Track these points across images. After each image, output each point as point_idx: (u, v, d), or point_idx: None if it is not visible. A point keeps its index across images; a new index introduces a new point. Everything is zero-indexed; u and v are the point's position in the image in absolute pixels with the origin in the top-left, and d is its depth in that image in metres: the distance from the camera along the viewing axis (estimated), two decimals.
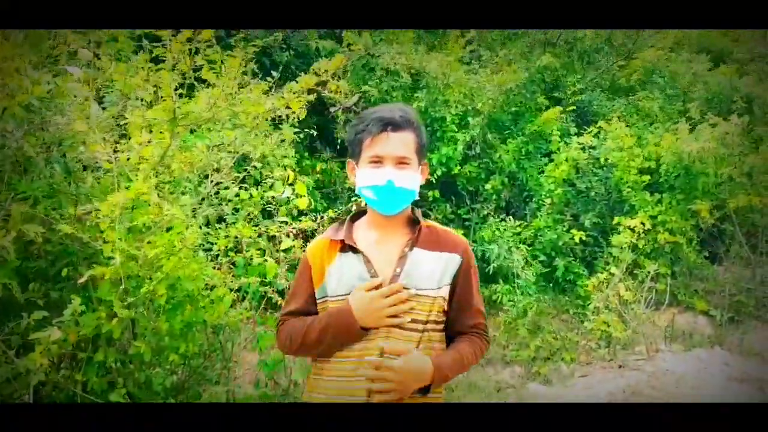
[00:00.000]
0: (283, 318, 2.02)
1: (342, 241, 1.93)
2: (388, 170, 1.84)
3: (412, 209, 1.99)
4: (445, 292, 1.91)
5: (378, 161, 1.85)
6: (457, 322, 1.96)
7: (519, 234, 6.77)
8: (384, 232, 1.94)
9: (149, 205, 2.94)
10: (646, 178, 6.83)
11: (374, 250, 1.91)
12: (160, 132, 3.13)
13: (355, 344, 1.84)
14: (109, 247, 2.78)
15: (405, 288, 1.85)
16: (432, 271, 1.90)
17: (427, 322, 1.88)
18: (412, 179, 1.88)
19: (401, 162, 1.85)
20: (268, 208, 4.00)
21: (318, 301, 1.95)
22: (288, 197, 3.80)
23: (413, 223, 1.98)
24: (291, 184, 3.80)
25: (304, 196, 3.77)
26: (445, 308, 1.92)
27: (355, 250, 1.91)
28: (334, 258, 1.93)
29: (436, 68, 6.91)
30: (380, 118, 1.86)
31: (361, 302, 1.82)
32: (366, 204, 1.97)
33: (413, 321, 1.86)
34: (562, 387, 5.60)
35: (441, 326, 1.93)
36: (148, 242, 2.92)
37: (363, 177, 1.88)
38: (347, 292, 1.88)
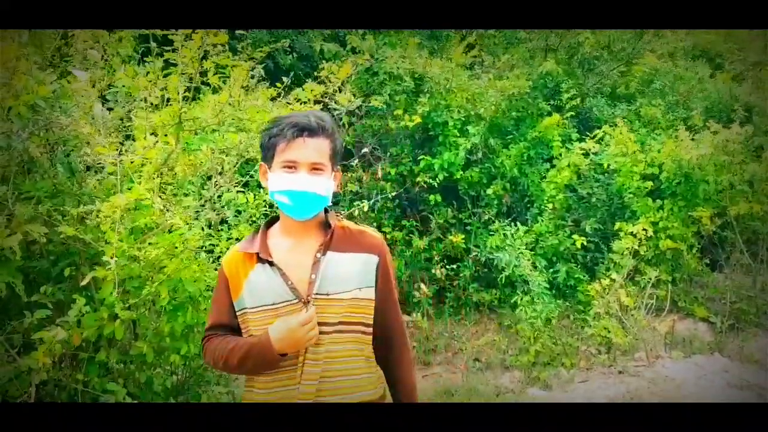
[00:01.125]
0: (207, 334, 2.02)
1: (257, 253, 1.93)
2: (302, 176, 1.84)
3: (326, 212, 2.00)
4: (368, 293, 1.93)
5: (292, 166, 1.85)
6: (380, 322, 1.98)
7: (521, 239, 6.78)
8: (297, 238, 1.95)
9: (151, 206, 2.95)
10: (649, 184, 6.84)
11: (288, 259, 1.92)
12: (165, 135, 3.15)
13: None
14: (110, 249, 2.79)
15: (321, 294, 1.87)
16: (348, 273, 1.91)
17: (343, 323, 1.89)
18: (325, 185, 1.88)
19: (315, 168, 1.86)
20: (267, 212, 4.00)
21: (237, 313, 1.95)
22: None
23: (326, 226, 1.98)
24: None
25: None
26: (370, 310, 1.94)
27: (270, 263, 1.91)
28: (250, 270, 1.93)
29: (438, 73, 6.93)
30: (296, 123, 1.86)
31: (281, 333, 1.82)
32: (278, 209, 1.97)
33: (324, 324, 1.86)
34: (562, 392, 5.61)
35: (360, 328, 1.93)
36: (150, 243, 2.94)
37: (276, 182, 1.88)
38: (264, 303, 1.89)
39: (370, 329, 1.95)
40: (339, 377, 1.88)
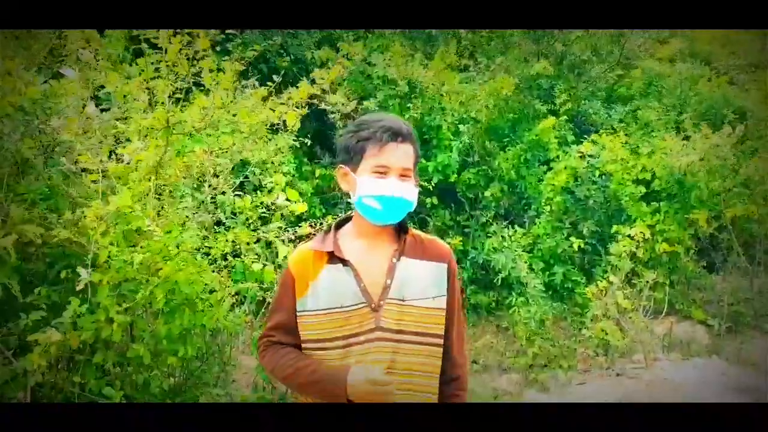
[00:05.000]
0: (267, 335, 1.94)
1: (330, 252, 1.87)
2: (392, 181, 1.80)
3: None
4: (441, 303, 1.88)
5: (384, 171, 1.80)
6: (446, 330, 1.90)
7: (518, 242, 6.79)
8: (371, 242, 1.90)
9: (144, 209, 2.95)
10: (642, 189, 6.85)
11: (362, 261, 1.86)
12: (155, 138, 3.15)
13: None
14: (105, 252, 2.79)
15: (395, 299, 1.82)
16: (421, 281, 1.87)
17: (417, 334, 1.83)
18: (412, 191, 1.85)
19: (404, 174, 1.82)
20: (264, 214, 4.00)
21: (298, 314, 1.87)
22: (282, 203, 3.78)
23: (399, 232, 1.93)
24: (284, 189, 3.79)
25: (298, 201, 3.75)
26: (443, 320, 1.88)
27: (344, 262, 1.85)
28: (320, 270, 1.87)
29: (431, 76, 6.93)
30: (389, 127, 1.81)
31: (359, 383, 1.74)
32: (355, 212, 1.91)
33: (401, 332, 1.82)
34: (560, 395, 5.60)
35: (436, 341, 1.87)
36: (142, 246, 2.93)
37: (366, 186, 1.82)
38: (330, 306, 1.83)
39: (442, 341, 1.88)
40: (418, 392, 1.83)
